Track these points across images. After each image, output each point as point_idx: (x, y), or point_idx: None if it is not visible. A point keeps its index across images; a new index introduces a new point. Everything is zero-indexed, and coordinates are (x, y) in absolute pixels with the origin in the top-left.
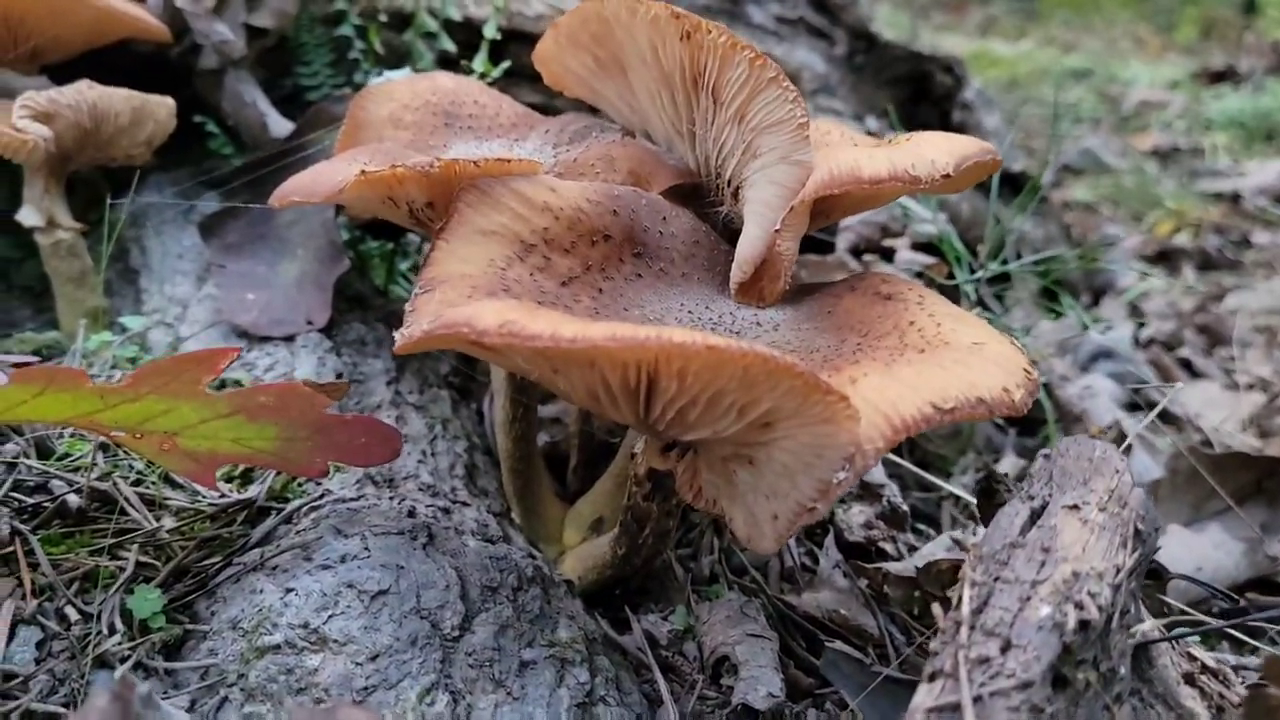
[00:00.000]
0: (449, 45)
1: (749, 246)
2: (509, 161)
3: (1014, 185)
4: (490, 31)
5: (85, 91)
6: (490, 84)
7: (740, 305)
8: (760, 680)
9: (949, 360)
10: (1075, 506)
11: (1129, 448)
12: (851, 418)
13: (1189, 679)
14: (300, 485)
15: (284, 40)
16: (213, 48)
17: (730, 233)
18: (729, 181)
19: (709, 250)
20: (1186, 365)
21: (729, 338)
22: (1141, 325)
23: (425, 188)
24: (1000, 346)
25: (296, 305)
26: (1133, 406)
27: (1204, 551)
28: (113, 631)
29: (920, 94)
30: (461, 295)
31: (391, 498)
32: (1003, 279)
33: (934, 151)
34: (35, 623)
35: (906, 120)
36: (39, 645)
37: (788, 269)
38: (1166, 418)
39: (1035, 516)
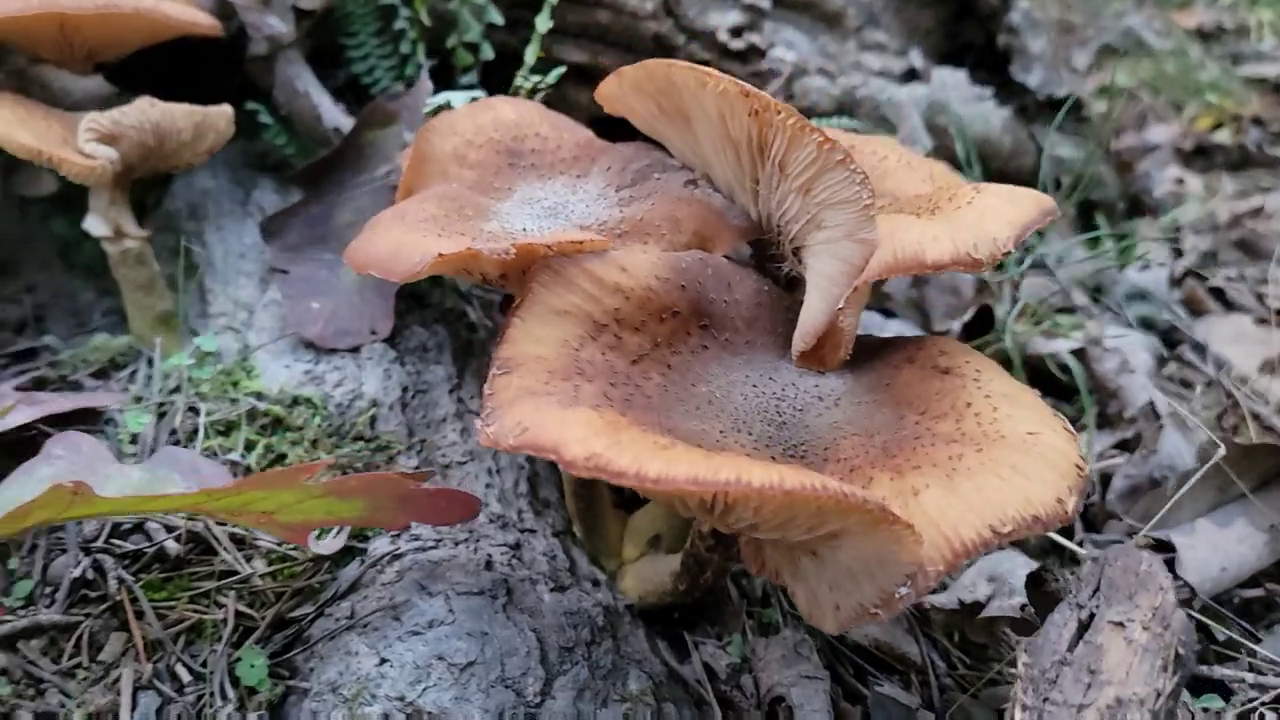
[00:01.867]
0: (496, 18)
1: (811, 319)
2: (581, 242)
3: (1055, 107)
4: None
5: (148, 110)
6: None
7: (802, 372)
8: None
9: (1006, 467)
10: (1120, 624)
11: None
12: (916, 541)
13: None
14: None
15: (330, 10)
16: (263, 38)
17: (791, 283)
18: (791, 241)
19: (771, 312)
20: (1219, 295)
21: (805, 474)
22: (1179, 253)
23: (499, 265)
24: (1054, 437)
25: (360, 314)
26: (1169, 350)
27: (1228, 548)
28: (225, 697)
29: (965, 11)
30: (539, 381)
31: (466, 541)
32: None
33: (997, 226)
34: (153, 687)
35: (950, 39)
36: (158, 712)
37: (849, 341)
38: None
39: (1083, 628)
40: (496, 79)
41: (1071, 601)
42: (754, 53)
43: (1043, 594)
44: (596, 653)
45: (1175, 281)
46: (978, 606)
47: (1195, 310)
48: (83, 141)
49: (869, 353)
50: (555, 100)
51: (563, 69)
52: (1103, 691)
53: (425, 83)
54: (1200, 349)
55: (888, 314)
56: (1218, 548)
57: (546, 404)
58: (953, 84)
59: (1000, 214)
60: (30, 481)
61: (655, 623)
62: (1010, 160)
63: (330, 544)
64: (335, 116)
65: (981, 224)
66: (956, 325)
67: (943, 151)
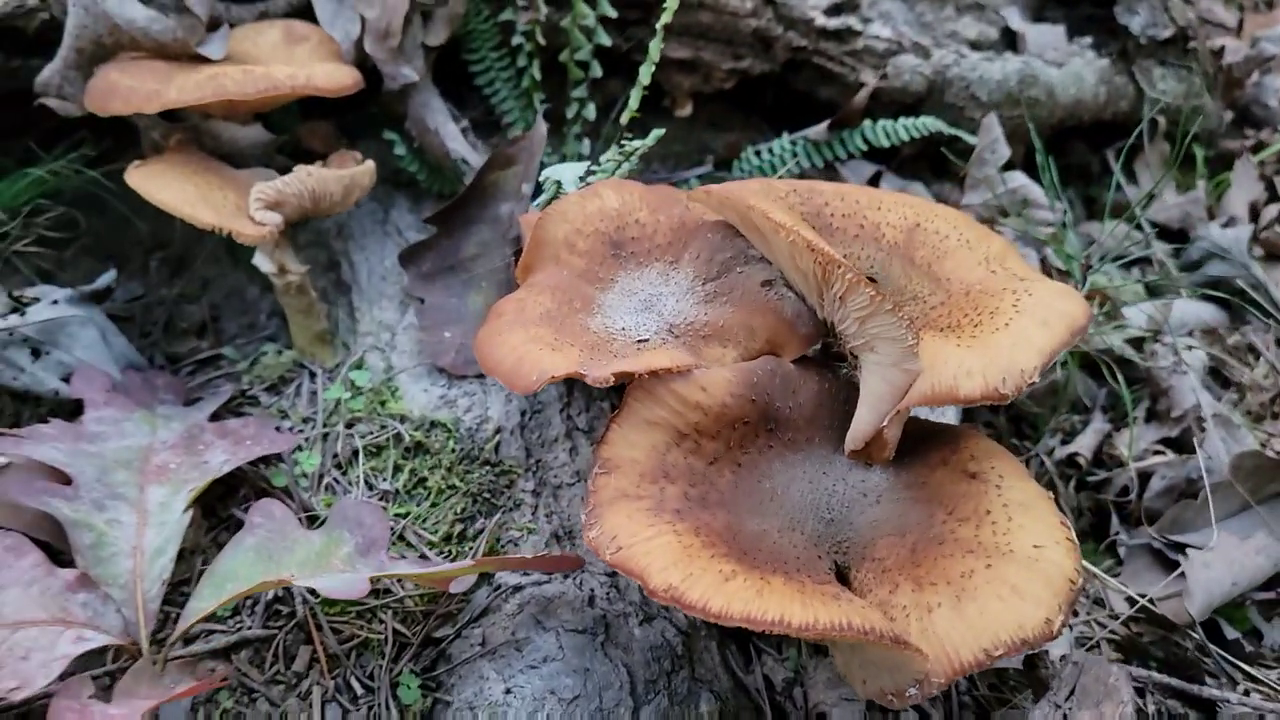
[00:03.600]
0: (605, 40)
1: (860, 429)
2: (670, 370)
3: (1158, 48)
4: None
5: (305, 180)
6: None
7: (852, 465)
8: None
9: (1008, 587)
10: None
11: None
12: (924, 658)
13: None
14: (500, 549)
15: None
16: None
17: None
18: (850, 349)
19: (830, 410)
20: None
21: (836, 611)
22: (1271, 198)
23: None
24: (1055, 551)
25: None
26: (1233, 320)
27: (1244, 561)
28: (388, 709)
29: None
30: (632, 483)
31: (572, 577)
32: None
33: (1026, 357)
34: (335, 700)
35: None
36: None
37: (893, 446)
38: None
39: None
40: (611, 73)
41: (1050, 699)
42: (850, 33)
43: (1035, 678)
44: (675, 680)
45: (1256, 236)
46: None
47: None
48: (253, 210)
49: (913, 443)
50: (659, 83)
51: (661, 131)
52: None
53: (540, 128)
54: (1269, 317)
55: None
56: (1233, 562)
57: (637, 514)
58: (1048, 42)
59: (1032, 343)
60: (240, 552)
61: (728, 635)
62: (1106, 109)
63: (464, 584)
64: (461, 149)
65: (1013, 356)
66: None
67: (1035, 120)
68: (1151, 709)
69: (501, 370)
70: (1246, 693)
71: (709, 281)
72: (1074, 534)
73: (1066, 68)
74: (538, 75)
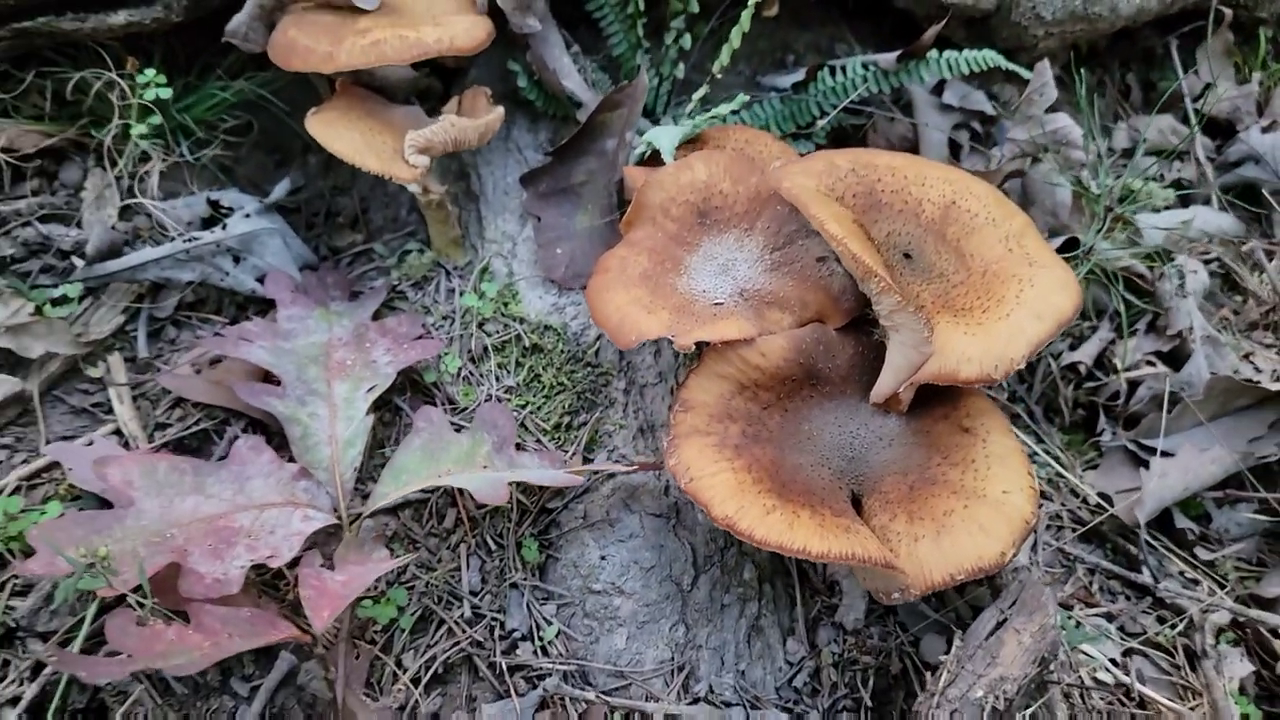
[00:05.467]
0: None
1: (881, 388)
2: (737, 339)
3: None
4: None
5: (449, 130)
6: None
7: (874, 411)
8: (852, 609)
9: (976, 525)
10: (1018, 631)
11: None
12: (907, 576)
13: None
14: (598, 440)
15: None
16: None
17: (879, 346)
18: (881, 322)
19: (861, 370)
20: None
21: (844, 542)
22: None
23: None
24: (1019, 497)
25: (590, 258)
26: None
27: (1199, 470)
28: (514, 565)
29: None
30: (703, 421)
31: (653, 468)
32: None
33: (1017, 348)
34: (477, 554)
35: None
36: (480, 571)
37: (906, 403)
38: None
39: (999, 626)
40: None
41: (998, 605)
42: None
43: (993, 584)
44: (727, 555)
45: None
46: None
47: None
48: (407, 154)
49: (923, 398)
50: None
51: (744, 98)
52: (994, 669)
53: (643, 78)
54: None
55: None
56: (1188, 469)
57: (706, 450)
58: None
59: (1025, 335)
60: (410, 451)
61: None
62: (1173, 5)
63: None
64: (574, 86)
65: (1006, 347)
66: (1053, 244)
67: (1096, 32)
68: (1096, 587)
69: (608, 326)
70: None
71: (776, 250)
72: (1036, 481)
73: None
74: (642, 4)
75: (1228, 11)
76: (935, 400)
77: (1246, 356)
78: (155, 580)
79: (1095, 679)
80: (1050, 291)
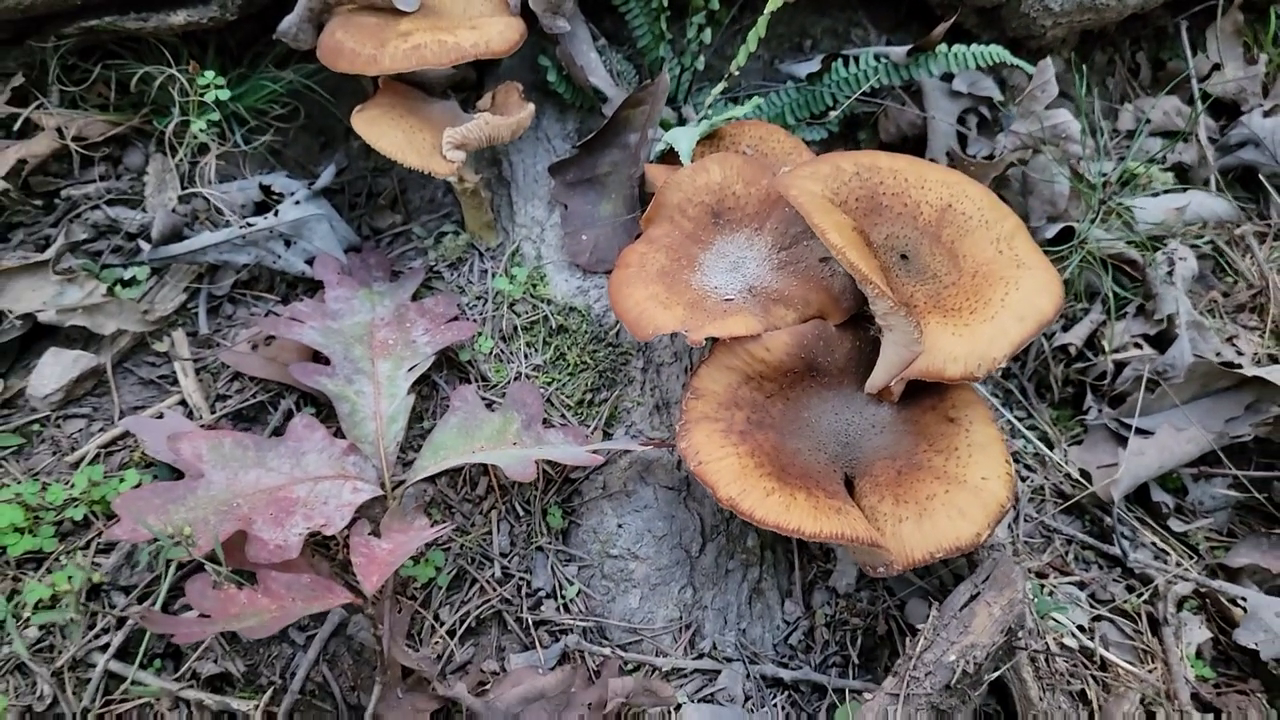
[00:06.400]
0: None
1: (875, 380)
2: (745, 337)
3: None
4: None
5: (484, 127)
6: None
7: (868, 400)
8: (845, 575)
9: (956, 510)
10: (989, 604)
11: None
12: (890, 553)
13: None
14: (617, 416)
15: None
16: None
17: (874, 341)
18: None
19: (857, 363)
20: None
21: (835, 523)
22: None
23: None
24: (996, 484)
25: (613, 245)
26: (1252, 210)
27: (1175, 448)
28: (540, 530)
29: None
30: (712, 408)
31: (667, 446)
32: (1205, 16)
33: (999, 348)
34: (507, 520)
35: None
36: (510, 535)
37: (898, 394)
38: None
39: (972, 599)
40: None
41: (972, 579)
42: None
43: (970, 558)
44: (732, 525)
45: None
46: None
47: None
48: (445, 150)
49: (914, 390)
50: None
51: (759, 100)
52: (966, 637)
53: (664, 77)
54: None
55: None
56: (1165, 448)
57: (714, 435)
58: None
59: (1007, 336)
60: (447, 429)
61: None
62: None
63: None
64: (600, 82)
65: (989, 348)
66: (1050, 232)
67: (1104, 20)
68: (1071, 557)
69: (627, 320)
70: (1156, 555)
71: (783, 250)
72: (1013, 468)
73: None
74: (665, 3)
75: None
76: (924, 392)
77: (1230, 340)
78: (223, 545)
79: (1061, 644)
80: (1034, 294)
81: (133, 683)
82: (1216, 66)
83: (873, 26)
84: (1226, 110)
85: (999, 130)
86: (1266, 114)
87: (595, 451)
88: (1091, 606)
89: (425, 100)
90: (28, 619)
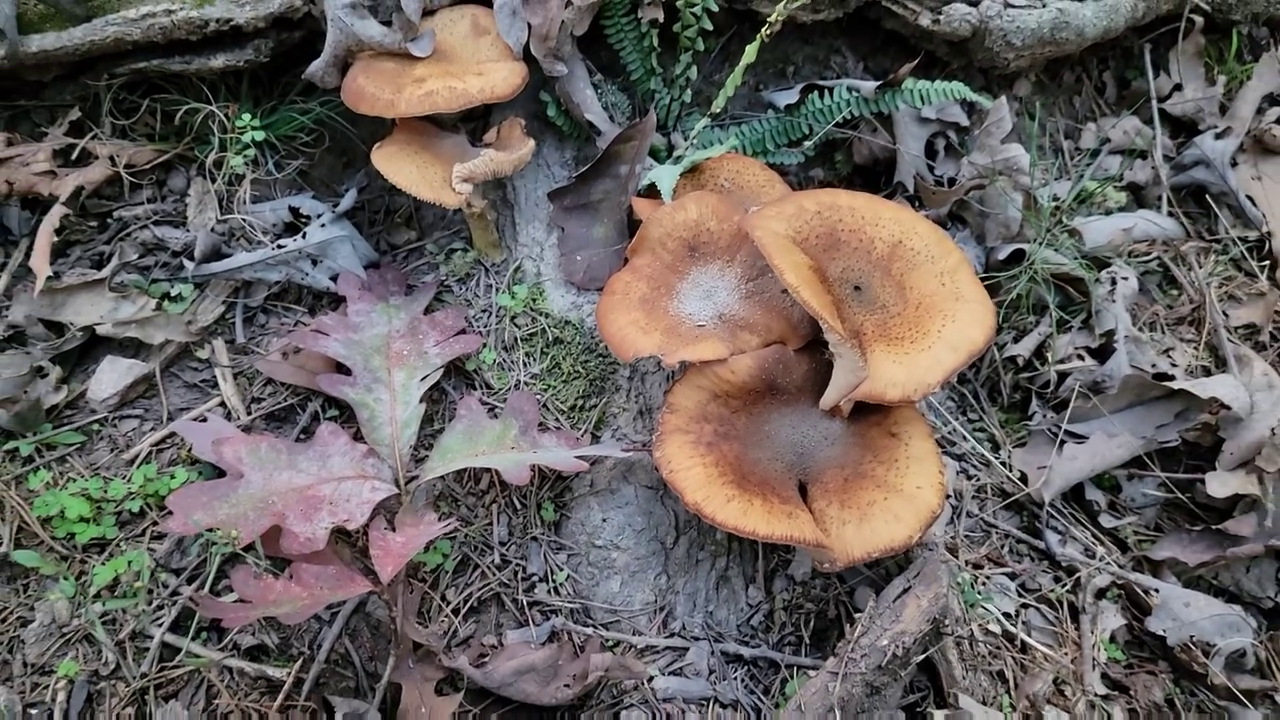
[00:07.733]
0: (708, 26)
1: (827, 400)
2: (713, 360)
3: None
4: None
5: (488, 163)
6: None
7: (822, 416)
8: (801, 564)
9: (892, 515)
10: (918, 597)
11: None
12: (833, 552)
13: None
14: (605, 420)
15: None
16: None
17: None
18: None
19: (813, 382)
20: None
21: (786, 525)
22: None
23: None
24: (929, 492)
25: (605, 265)
26: (1195, 228)
27: (1106, 454)
28: (534, 522)
29: None
30: (684, 421)
31: (646, 445)
32: (1170, 36)
33: (934, 376)
34: (506, 512)
35: None
36: (508, 526)
37: (847, 411)
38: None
39: (904, 592)
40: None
41: (905, 575)
42: None
43: (906, 557)
44: (703, 521)
45: (1250, 132)
46: None
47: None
48: (454, 184)
49: (862, 407)
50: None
51: (734, 143)
52: (897, 625)
53: (652, 116)
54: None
55: (960, 221)
56: (1096, 453)
57: (685, 446)
58: None
59: (942, 365)
60: (455, 434)
61: None
62: (1145, 18)
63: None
64: (596, 118)
65: (925, 375)
66: (1003, 253)
67: (1064, 53)
68: (1006, 551)
69: (611, 343)
70: (1088, 550)
71: (750, 281)
72: (945, 479)
73: (1101, 2)
74: (656, 44)
75: (1199, 19)
76: (871, 409)
77: (1167, 351)
78: (260, 538)
79: (986, 630)
80: (967, 326)
81: (186, 653)
82: (1178, 87)
83: (851, 53)
84: (1186, 129)
85: (965, 154)
86: (1218, 136)
87: (581, 457)
88: (1020, 595)
89: (437, 135)
90: (96, 596)
